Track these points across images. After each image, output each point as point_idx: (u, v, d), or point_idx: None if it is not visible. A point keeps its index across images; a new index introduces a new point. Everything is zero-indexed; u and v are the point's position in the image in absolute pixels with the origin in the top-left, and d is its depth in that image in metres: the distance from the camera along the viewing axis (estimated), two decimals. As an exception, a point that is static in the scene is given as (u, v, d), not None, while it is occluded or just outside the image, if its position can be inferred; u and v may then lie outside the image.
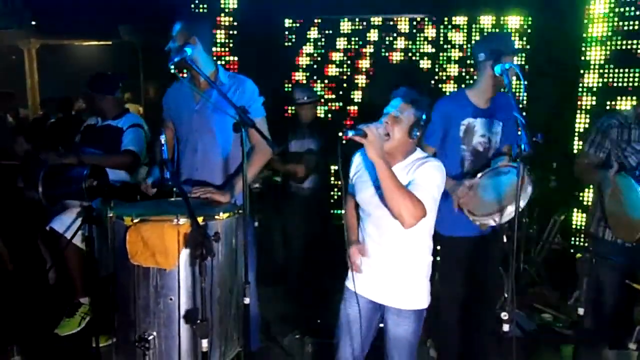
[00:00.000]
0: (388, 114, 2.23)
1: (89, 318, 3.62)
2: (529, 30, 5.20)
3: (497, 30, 5.21)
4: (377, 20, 5.57)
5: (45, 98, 8.20)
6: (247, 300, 2.33)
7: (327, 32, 5.64)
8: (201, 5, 5.16)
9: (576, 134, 4.80)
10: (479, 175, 2.72)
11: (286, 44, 5.65)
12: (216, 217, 2.22)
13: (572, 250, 4.83)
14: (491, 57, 2.74)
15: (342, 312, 2.43)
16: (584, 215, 4.56)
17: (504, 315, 2.17)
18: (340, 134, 2.13)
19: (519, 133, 2.14)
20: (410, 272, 2.30)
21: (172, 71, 2.57)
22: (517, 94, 2.58)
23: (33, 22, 7.76)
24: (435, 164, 2.21)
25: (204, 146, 2.81)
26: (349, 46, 5.66)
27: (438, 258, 2.89)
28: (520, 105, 2.57)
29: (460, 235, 2.91)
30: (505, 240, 2.72)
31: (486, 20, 5.28)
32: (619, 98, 4.53)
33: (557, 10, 4.95)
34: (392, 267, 2.29)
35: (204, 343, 2.04)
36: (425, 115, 2.25)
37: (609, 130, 2.91)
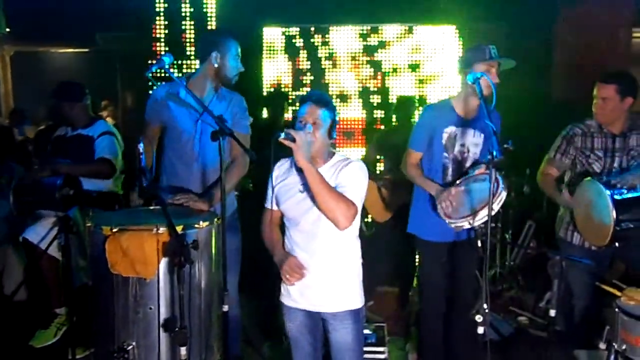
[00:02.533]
0: (309, 126, 2.22)
1: (65, 329, 3.58)
2: (501, 38, 5.33)
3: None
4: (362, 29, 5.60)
5: (13, 109, 8.07)
6: (225, 308, 2.34)
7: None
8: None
9: (549, 139, 4.93)
10: (458, 182, 2.81)
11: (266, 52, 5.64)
12: (195, 225, 2.24)
13: (547, 255, 4.93)
14: (464, 66, 2.83)
15: (286, 327, 2.44)
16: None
17: (479, 318, 2.22)
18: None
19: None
20: (342, 274, 2.32)
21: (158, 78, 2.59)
22: (490, 102, 2.65)
23: (7, 29, 7.66)
24: (359, 165, 2.28)
25: (204, 154, 2.86)
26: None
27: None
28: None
29: (437, 241, 2.98)
30: (480, 244, 2.79)
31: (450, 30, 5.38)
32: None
33: (528, 18, 5.08)
34: (324, 273, 2.29)
35: (183, 351, 2.05)
36: (336, 116, 2.32)
37: (574, 138, 3.08)
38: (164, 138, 2.96)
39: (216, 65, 2.83)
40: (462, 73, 2.87)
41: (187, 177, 2.90)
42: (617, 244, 2.79)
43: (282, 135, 2.10)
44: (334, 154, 2.33)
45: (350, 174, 2.24)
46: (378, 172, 4.74)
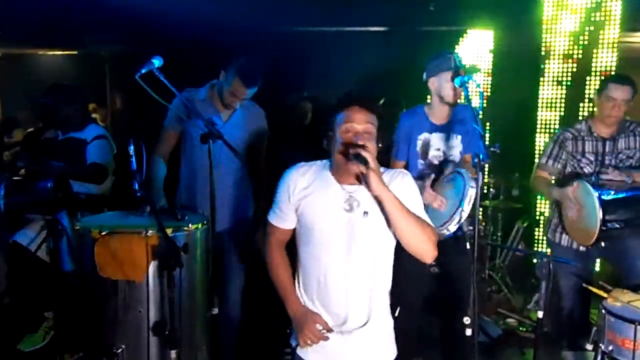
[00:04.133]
0: (356, 132, 1.79)
1: (54, 332, 3.55)
2: (492, 45, 5.39)
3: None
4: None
5: (5, 118, 7.96)
6: (215, 311, 2.35)
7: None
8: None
9: (537, 144, 4.98)
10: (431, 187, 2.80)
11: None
12: (185, 228, 2.24)
13: (535, 257, 4.97)
14: (430, 74, 2.87)
15: None
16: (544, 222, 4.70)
17: (466, 320, 2.24)
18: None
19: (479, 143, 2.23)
20: (383, 315, 1.93)
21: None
22: (476, 105, 2.68)
23: (-6, 31, 7.59)
24: (409, 175, 1.94)
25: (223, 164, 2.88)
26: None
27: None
28: (481, 116, 2.67)
29: None
30: (467, 247, 2.80)
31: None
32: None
33: (518, 25, 5.13)
34: (365, 316, 1.86)
35: (173, 354, 2.04)
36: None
37: (565, 143, 3.10)
38: (181, 145, 3.04)
39: (220, 79, 2.92)
40: (427, 82, 2.91)
41: (203, 182, 2.86)
42: (602, 244, 2.83)
43: (352, 159, 1.71)
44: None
45: (411, 189, 1.87)
46: None
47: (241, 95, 2.87)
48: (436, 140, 2.94)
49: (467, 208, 2.52)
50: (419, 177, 2.97)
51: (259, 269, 3.18)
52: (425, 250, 1.79)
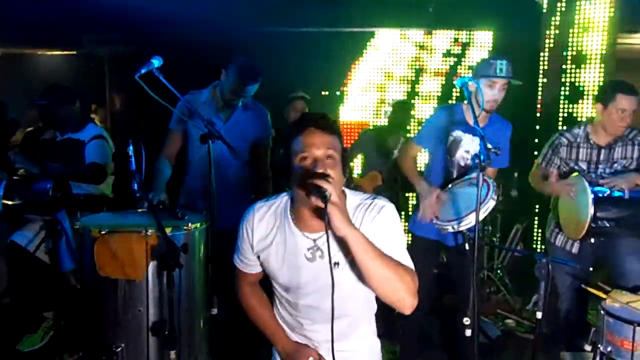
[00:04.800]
0: (315, 158, 1.54)
1: (53, 333, 3.55)
2: (491, 44, 5.41)
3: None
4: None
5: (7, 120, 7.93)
6: (214, 311, 2.35)
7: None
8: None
9: (536, 143, 4.99)
10: (450, 185, 2.83)
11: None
12: (184, 228, 2.24)
13: (533, 258, 4.97)
14: (473, 75, 2.85)
15: None
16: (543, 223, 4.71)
17: (466, 321, 2.24)
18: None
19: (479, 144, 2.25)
20: (368, 342, 1.83)
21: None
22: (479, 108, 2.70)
23: (-7, 31, 7.57)
24: (389, 206, 1.65)
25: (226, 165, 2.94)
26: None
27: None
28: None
29: (420, 235, 3.01)
30: (467, 247, 2.81)
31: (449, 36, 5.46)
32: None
33: (518, 24, 5.14)
34: (347, 346, 1.74)
35: (172, 354, 2.04)
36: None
37: (559, 148, 3.11)
38: (186, 145, 3.08)
39: (222, 79, 2.95)
40: (469, 83, 2.89)
41: (200, 185, 2.93)
42: (592, 240, 2.85)
43: (311, 194, 1.45)
44: (343, 191, 1.64)
45: (388, 224, 1.61)
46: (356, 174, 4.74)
47: (242, 93, 2.89)
48: (467, 142, 2.94)
49: (481, 215, 2.53)
50: (443, 174, 2.99)
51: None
52: (400, 299, 1.53)
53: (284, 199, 1.72)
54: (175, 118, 3.04)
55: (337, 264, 1.59)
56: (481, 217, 2.55)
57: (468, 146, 2.94)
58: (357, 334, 1.78)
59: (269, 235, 1.69)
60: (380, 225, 1.59)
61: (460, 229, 2.62)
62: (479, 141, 2.25)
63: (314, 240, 1.63)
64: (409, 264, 1.60)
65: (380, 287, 1.52)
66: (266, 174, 3.17)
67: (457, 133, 2.94)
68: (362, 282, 1.60)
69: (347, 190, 1.68)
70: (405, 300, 1.53)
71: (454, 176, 2.98)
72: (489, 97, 2.75)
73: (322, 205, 1.43)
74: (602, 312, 2.41)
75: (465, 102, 2.99)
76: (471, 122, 2.91)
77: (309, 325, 1.75)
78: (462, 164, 2.97)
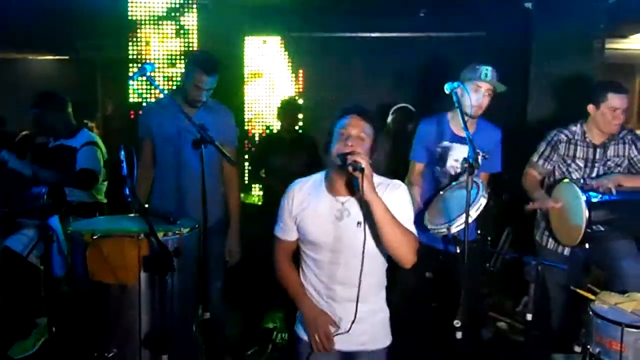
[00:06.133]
0: (349, 135, 1.95)
1: (45, 339, 3.53)
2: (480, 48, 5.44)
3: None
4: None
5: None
6: (207, 315, 2.35)
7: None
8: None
9: (526, 147, 5.02)
10: (441, 192, 2.86)
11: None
12: (176, 232, 2.25)
13: (524, 260, 5.00)
14: (459, 82, 2.86)
15: None
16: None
17: (457, 323, 2.25)
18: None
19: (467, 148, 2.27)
20: (380, 307, 2.16)
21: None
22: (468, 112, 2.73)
23: (-17, 37, 7.54)
24: (404, 187, 2.08)
25: (191, 164, 2.94)
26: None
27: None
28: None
29: (428, 244, 3.03)
30: (458, 250, 2.83)
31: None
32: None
33: (507, 28, 5.19)
34: (363, 308, 2.03)
35: (165, 358, 2.05)
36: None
37: (558, 145, 3.12)
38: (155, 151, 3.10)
39: (183, 83, 2.98)
40: (457, 89, 2.92)
41: (173, 186, 3.02)
42: (587, 245, 2.87)
43: (348, 165, 1.83)
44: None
45: (402, 199, 2.02)
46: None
47: (204, 85, 2.91)
48: (456, 151, 2.96)
49: (473, 214, 2.55)
50: (435, 184, 3.02)
51: (239, 271, 3.28)
52: (404, 255, 1.94)
53: (319, 175, 2.12)
54: (141, 126, 3.11)
55: (359, 223, 1.96)
56: (474, 215, 2.59)
57: (457, 155, 2.95)
58: (372, 298, 2.11)
59: (305, 200, 2.07)
60: (396, 199, 2.00)
61: (453, 230, 2.63)
62: (468, 145, 2.27)
63: (342, 203, 2.01)
64: (413, 230, 2.00)
65: (390, 245, 1.92)
66: (232, 175, 3.16)
67: (445, 143, 2.97)
68: (377, 243, 1.99)
69: (374, 175, 1.99)
70: (408, 256, 1.94)
71: (445, 185, 3.01)
72: (474, 101, 2.77)
73: (357, 174, 1.82)
74: (590, 313, 2.44)
75: (450, 111, 3.02)
76: (457, 130, 2.95)
77: (332, 285, 2.06)
78: (453, 172, 3.00)
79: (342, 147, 1.92)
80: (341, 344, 2.09)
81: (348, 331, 2.03)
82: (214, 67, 2.91)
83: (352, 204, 2.00)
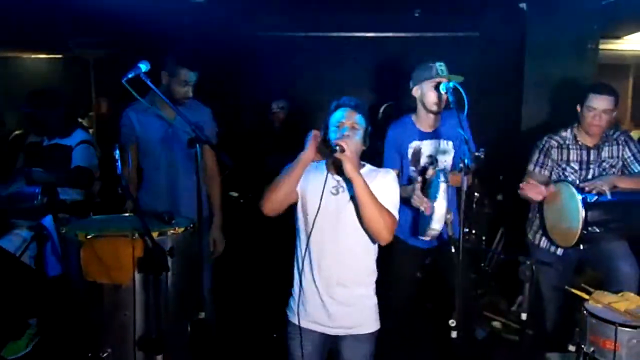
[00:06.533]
0: (345, 128, 2.17)
1: (37, 340, 3.51)
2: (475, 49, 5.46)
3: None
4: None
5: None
6: (202, 315, 2.35)
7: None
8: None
9: (520, 147, 5.03)
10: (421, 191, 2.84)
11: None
12: (171, 231, 2.24)
13: (518, 260, 5.02)
14: (413, 83, 2.94)
15: (292, 351, 2.27)
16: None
17: (452, 323, 2.26)
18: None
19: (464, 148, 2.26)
20: (368, 293, 2.26)
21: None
22: (462, 110, 2.72)
23: (-24, 35, 7.48)
24: (393, 175, 2.28)
25: (177, 164, 3.06)
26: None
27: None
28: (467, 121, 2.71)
29: (413, 245, 3.03)
30: (453, 250, 2.83)
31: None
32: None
33: (501, 28, 5.21)
34: (352, 292, 2.20)
35: (159, 359, 2.04)
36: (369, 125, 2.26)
37: (550, 151, 3.15)
38: (139, 154, 3.16)
39: (164, 83, 3.00)
40: (413, 89, 2.96)
41: (164, 185, 3.09)
42: (581, 247, 2.88)
43: (334, 148, 2.07)
44: (364, 165, 2.29)
45: (387, 184, 2.22)
46: None
47: (190, 80, 2.97)
48: (427, 148, 2.98)
49: (441, 202, 2.49)
50: (410, 183, 3.00)
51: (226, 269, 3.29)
52: (379, 232, 2.12)
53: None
54: (125, 132, 3.13)
55: (352, 197, 2.15)
56: (443, 203, 2.50)
57: (429, 152, 2.98)
58: (361, 283, 2.24)
59: (310, 176, 2.25)
60: (384, 184, 2.21)
61: (439, 224, 2.53)
62: (463, 145, 2.25)
63: (337, 181, 2.23)
64: (395, 212, 2.17)
65: (367, 217, 2.09)
66: (213, 173, 3.27)
67: (414, 143, 2.98)
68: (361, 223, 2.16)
69: (368, 165, 2.31)
70: (383, 233, 2.12)
71: (419, 179, 2.99)
72: (436, 98, 2.82)
73: (340, 156, 2.06)
74: (584, 313, 2.45)
75: (412, 113, 3.03)
76: (423, 128, 2.97)
77: (321, 261, 2.20)
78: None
79: (339, 137, 2.13)
80: (327, 327, 2.22)
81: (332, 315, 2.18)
82: (197, 62, 3.00)
83: (346, 182, 2.20)
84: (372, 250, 2.27)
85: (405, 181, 3.03)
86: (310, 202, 2.22)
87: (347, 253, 2.19)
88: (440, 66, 2.85)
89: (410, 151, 2.99)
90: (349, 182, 2.15)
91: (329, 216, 2.19)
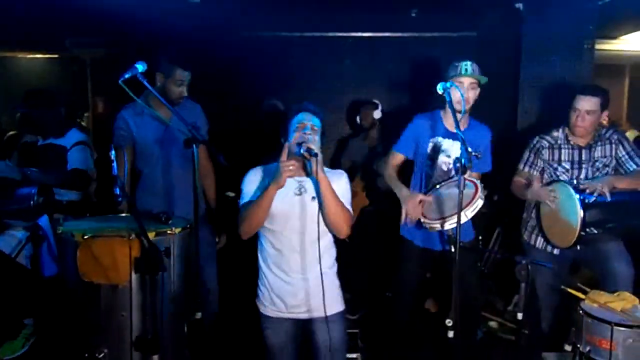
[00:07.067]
0: (307, 128, 2.34)
1: (34, 340, 3.50)
2: (471, 49, 5.46)
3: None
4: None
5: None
6: (199, 315, 2.34)
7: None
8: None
9: (517, 147, 5.04)
10: (438, 186, 2.87)
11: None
12: (168, 232, 2.24)
13: (514, 260, 5.03)
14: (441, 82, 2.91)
15: (268, 339, 2.45)
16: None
17: (448, 322, 2.26)
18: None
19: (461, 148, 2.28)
20: (332, 274, 2.47)
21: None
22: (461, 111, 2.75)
23: (-28, 33, 7.45)
24: (345, 175, 2.50)
25: (173, 164, 3.10)
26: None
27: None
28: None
29: (418, 245, 3.05)
30: (452, 249, 2.84)
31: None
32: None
33: (498, 28, 5.21)
34: (317, 275, 2.37)
35: (155, 359, 2.04)
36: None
37: (541, 151, 3.16)
38: (136, 154, 3.18)
39: (159, 84, 3.01)
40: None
41: (161, 186, 3.13)
42: (578, 247, 2.89)
43: (302, 150, 2.22)
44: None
45: (343, 184, 2.45)
46: None
47: (185, 78, 3.02)
48: (448, 146, 2.99)
49: (469, 214, 2.60)
50: (425, 180, 3.03)
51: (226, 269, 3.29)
52: (341, 227, 2.36)
53: (275, 164, 2.35)
54: (119, 134, 3.14)
55: (313, 197, 2.36)
56: (470, 215, 2.63)
57: (449, 151, 2.98)
58: (324, 267, 2.39)
59: (261, 182, 2.38)
60: (339, 184, 2.41)
61: (446, 227, 2.65)
62: (460, 145, 2.28)
63: (299, 182, 2.39)
64: (349, 208, 2.42)
65: (330, 213, 2.31)
66: (210, 168, 3.35)
67: (437, 139, 2.99)
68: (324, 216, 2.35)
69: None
70: (345, 227, 2.37)
71: (438, 181, 3.02)
72: (459, 97, 2.80)
73: (311, 159, 2.21)
74: (580, 312, 2.46)
75: (442, 109, 3.04)
76: (449, 127, 2.96)
77: (287, 253, 2.37)
78: (445, 168, 3.01)
79: (299, 137, 2.30)
80: (297, 313, 2.40)
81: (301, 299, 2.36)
82: (189, 60, 3.03)
83: (307, 183, 2.38)
84: (332, 242, 2.48)
85: (422, 174, 3.05)
86: (278, 205, 2.34)
87: (310, 246, 2.36)
88: (465, 65, 2.87)
89: (430, 145, 3.00)
90: (310, 183, 2.37)
91: (293, 216, 2.36)
